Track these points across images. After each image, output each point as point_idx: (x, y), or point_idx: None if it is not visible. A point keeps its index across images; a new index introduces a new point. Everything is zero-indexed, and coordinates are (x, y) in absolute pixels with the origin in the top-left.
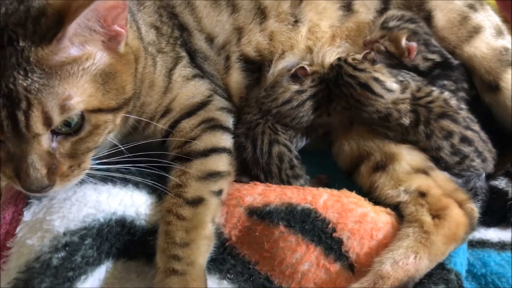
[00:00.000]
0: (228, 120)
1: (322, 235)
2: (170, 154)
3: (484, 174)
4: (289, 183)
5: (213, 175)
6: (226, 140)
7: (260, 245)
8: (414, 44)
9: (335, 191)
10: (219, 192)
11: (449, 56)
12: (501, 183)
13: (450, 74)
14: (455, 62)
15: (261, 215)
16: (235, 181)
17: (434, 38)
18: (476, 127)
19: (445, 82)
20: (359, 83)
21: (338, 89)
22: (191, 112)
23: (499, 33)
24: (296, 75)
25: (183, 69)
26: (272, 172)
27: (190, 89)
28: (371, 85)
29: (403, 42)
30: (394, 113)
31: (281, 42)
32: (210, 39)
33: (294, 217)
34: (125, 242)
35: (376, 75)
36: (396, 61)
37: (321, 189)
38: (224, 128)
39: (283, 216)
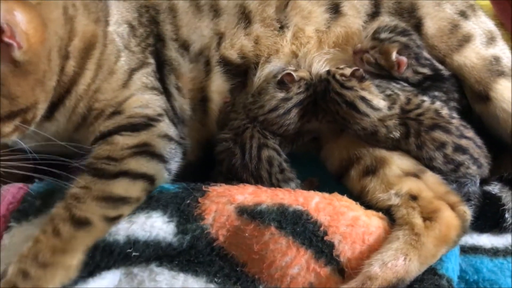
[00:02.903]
0: (165, 148)
1: (313, 238)
2: (87, 159)
3: (478, 180)
4: (280, 188)
5: (115, 200)
6: (149, 167)
7: (249, 247)
8: (404, 59)
9: (326, 194)
10: (115, 218)
11: (440, 67)
12: (494, 188)
13: (441, 85)
14: (446, 73)
15: (251, 214)
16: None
17: (425, 48)
18: (471, 133)
19: (436, 93)
20: (346, 101)
21: (325, 104)
22: (134, 127)
23: (490, 40)
24: (283, 82)
25: (146, 76)
26: (262, 176)
27: (145, 98)
28: (357, 104)
29: (394, 55)
30: (381, 129)
31: (267, 46)
32: (185, 46)
33: (286, 218)
34: None
35: (363, 93)
36: (386, 72)
37: (312, 192)
38: (155, 155)
39: (275, 216)
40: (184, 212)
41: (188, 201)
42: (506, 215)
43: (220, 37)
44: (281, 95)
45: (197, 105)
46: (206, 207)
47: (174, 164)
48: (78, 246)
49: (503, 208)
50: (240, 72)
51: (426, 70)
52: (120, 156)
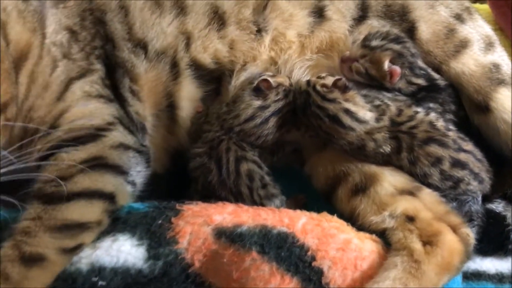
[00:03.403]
0: (120, 158)
1: (299, 263)
2: (35, 185)
3: (480, 197)
4: (263, 205)
5: (71, 228)
6: (105, 183)
7: (228, 274)
8: (397, 69)
9: (314, 214)
10: (74, 249)
11: (436, 77)
12: (498, 206)
13: (436, 96)
14: (443, 83)
15: (231, 237)
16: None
17: (420, 56)
18: (469, 146)
19: (431, 104)
20: (328, 115)
21: (306, 118)
22: (79, 140)
23: (488, 46)
24: (259, 88)
25: (89, 85)
26: (243, 193)
27: (88, 108)
28: (341, 118)
29: (386, 65)
30: (369, 143)
31: (242, 52)
32: (141, 45)
33: (269, 241)
34: None
35: (347, 105)
36: (377, 83)
37: (299, 211)
38: (109, 167)
39: (257, 240)
40: (155, 234)
41: (160, 222)
42: None
43: (187, 37)
44: (257, 103)
45: (163, 112)
46: (180, 228)
47: (138, 175)
48: (31, 286)
49: (508, 228)
50: (214, 78)
51: (420, 81)
52: (69, 175)
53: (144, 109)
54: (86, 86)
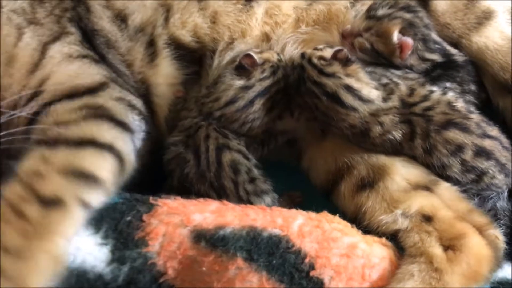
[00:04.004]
0: (126, 115)
1: (295, 273)
2: (31, 139)
3: (506, 192)
4: (250, 203)
5: (84, 177)
6: (115, 138)
7: (208, 285)
8: (408, 40)
9: (313, 214)
10: (87, 206)
11: (453, 52)
12: None
13: (454, 74)
14: (461, 59)
15: (212, 241)
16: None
17: (435, 31)
18: (495, 131)
19: (448, 84)
20: (326, 92)
21: (301, 97)
22: (71, 95)
23: None
24: (242, 66)
25: (67, 46)
26: (226, 187)
27: (73, 69)
28: (341, 95)
29: (395, 36)
30: (375, 127)
31: (227, 27)
32: (121, 18)
33: (258, 246)
34: None
35: (349, 81)
36: (384, 61)
37: (294, 210)
38: (117, 122)
39: (243, 244)
40: (122, 233)
41: (129, 218)
42: None
43: (167, 9)
44: (240, 82)
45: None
46: (152, 228)
47: (138, 142)
48: (56, 228)
49: None
50: (195, 59)
51: (435, 56)
52: (70, 119)
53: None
54: (65, 48)
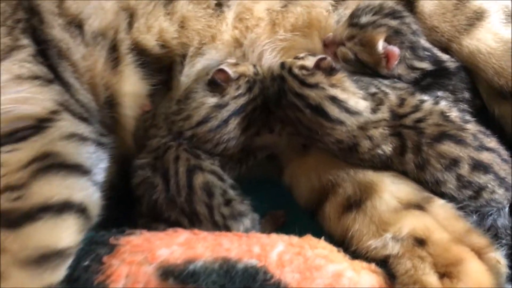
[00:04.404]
0: (79, 153)
1: None
2: None
3: (507, 208)
4: (227, 228)
5: (46, 259)
6: (71, 189)
7: None
8: (395, 49)
9: (295, 239)
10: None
11: (444, 58)
12: None
13: (446, 82)
14: (453, 66)
15: (181, 277)
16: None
17: (424, 35)
18: (493, 143)
19: (439, 93)
20: (309, 105)
21: (281, 111)
22: (17, 134)
23: (509, 18)
24: (214, 82)
25: (18, 64)
26: (199, 213)
27: (22, 95)
28: (325, 107)
29: (380, 45)
30: (363, 142)
31: (197, 32)
32: (75, 24)
33: (233, 280)
34: None
35: (334, 92)
36: (370, 71)
37: (274, 236)
38: (70, 168)
39: (216, 279)
40: (79, 280)
41: (87, 263)
42: None
43: (131, 14)
44: (212, 100)
45: (103, 109)
46: (114, 270)
47: (101, 174)
48: None
49: None
50: (163, 67)
51: (425, 65)
52: (20, 183)
53: (91, 102)
54: (13, 66)
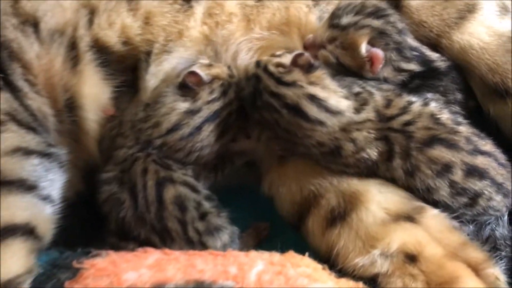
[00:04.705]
0: (22, 168)
1: None
2: None
3: (506, 215)
4: (203, 245)
5: None
6: (14, 209)
7: None
8: (379, 52)
9: (276, 256)
10: None
11: (433, 57)
12: None
13: (436, 84)
14: (443, 65)
15: None
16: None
17: (410, 31)
18: (488, 146)
19: (429, 95)
20: (286, 105)
21: (258, 113)
22: None
23: (504, 10)
24: (185, 85)
25: None
26: (171, 230)
27: None
28: (304, 107)
29: (363, 48)
30: (346, 145)
31: (162, 28)
32: (30, 22)
33: None
34: None
35: (312, 90)
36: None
37: (253, 254)
38: (10, 185)
39: None
40: None
41: None
42: None
43: (91, 11)
44: (184, 106)
45: (63, 112)
46: None
47: (52, 186)
48: None
49: None
50: (127, 67)
51: (413, 66)
52: None
53: (46, 106)
54: None
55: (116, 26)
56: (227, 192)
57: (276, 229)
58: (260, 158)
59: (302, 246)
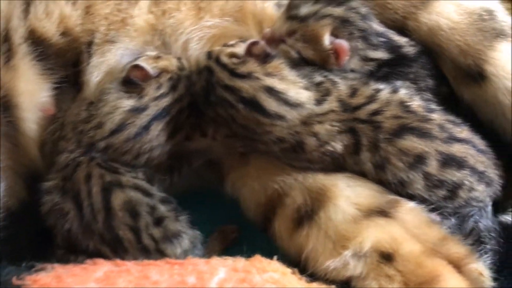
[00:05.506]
0: None
1: None
2: None
3: (490, 206)
4: (161, 252)
5: None
6: None
7: None
8: (343, 43)
9: (240, 262)
10: None
11: (402, 43)
12: None
13: (405, 71)
14: (412, 51)
15: None
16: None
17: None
18: (465, 132)
19: (398, 83)
20: (242, 99)
21: (212, 109)
22: None
23: None
24: (130, 80)
25: None
26: (122, 239)
27: None
28: (261, 101)
29: (326, 40)
30: (308, 139)
31: (105, 17)
32: None
33: None
34: None
35: (270, 82)
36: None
37: (215, 261)
38: None
39: None
40: None
41: None
42: None
43: (28, 2)
44: (128, 103)
45: None
46: None
47: None
48: None
49: None
50: (68, 61)
51: (381, 54)
52: None
53: None
54: None
55: (54, 16)
56: (193, 194)
57: (246, 232)
58: (220, 157)
59: (270, 251)
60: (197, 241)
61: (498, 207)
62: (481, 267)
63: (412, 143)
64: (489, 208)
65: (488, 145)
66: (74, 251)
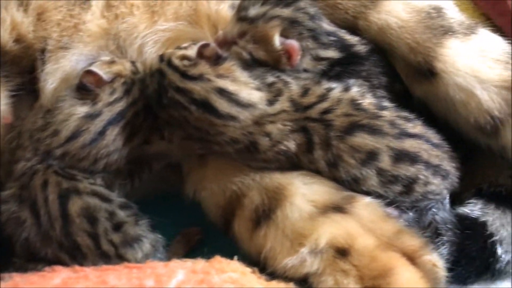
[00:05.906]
0: None
1: None
2: None
3: (447, 199)
4: (121, 257)
5: None
6: None
7: None
8: (294, 44)
9: (199, 264)
10: None
11: (353, 41)
12: (473, 210)
13: (357, 69)
14: (364, 49)
15: None
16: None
17: (324, 16)
18: (418, 128)
19: (351, 82)
20: (194, 100)
21: (165, 112)
22: None
23: None
24: (83, 86)
25: None
26: (81, 246)
27: None
28: (213, 102)
29: (276, 40)
30: (261, 139)
31: (57, 23)
32: None
33: None
34: None
35: (221, 83)
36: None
37: (173, 263)
38: None
39: None
40: None
41: None
42: (499, 250)
43: None
44: (82, 110)
45: None
46: None
47: None
48: None
49: (492, 240)
50: (24, 68)
51: (332, 53)
52: None
53: None
54: None
55: (7, 23)
56: (158, 197)
57: (210, 234)
58: (179, 160)
59: (231, 251)
60: (158, 245)
61: (456, 199)
62: (435, 259)
63: (363, 140)
64: (447, 201)
65: (444, 138)
66: (33, 260)
